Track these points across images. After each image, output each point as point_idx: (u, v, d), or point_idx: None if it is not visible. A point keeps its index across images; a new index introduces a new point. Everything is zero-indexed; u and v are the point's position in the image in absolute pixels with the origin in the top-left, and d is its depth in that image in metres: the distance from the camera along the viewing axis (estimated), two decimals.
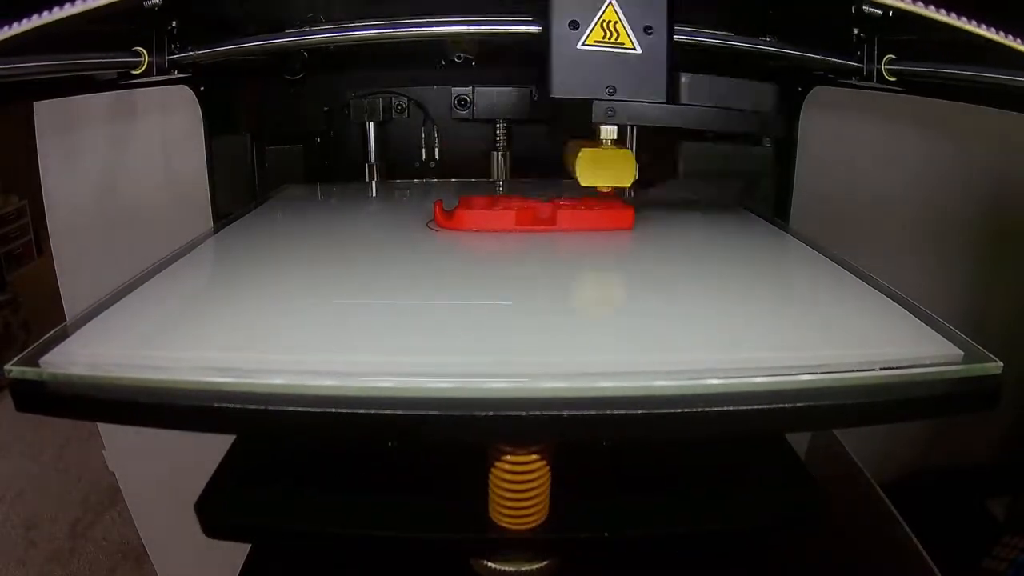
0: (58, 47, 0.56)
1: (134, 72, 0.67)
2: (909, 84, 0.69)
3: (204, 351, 0.42)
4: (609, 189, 0.67)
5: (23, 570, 1.52)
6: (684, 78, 0.64)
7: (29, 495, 1.77)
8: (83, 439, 1.82)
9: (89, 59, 0.62)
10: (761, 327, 0.47)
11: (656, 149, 0.73)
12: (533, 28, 0.64)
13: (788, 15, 0.77)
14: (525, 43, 0.65)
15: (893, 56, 0.69)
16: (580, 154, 0.65)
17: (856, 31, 0.71)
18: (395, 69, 0.91)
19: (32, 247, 2.88)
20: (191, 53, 0.70)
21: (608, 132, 0.64)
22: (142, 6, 0.64)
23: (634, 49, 0.60)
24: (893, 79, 0.69)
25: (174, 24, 0.69)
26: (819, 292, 0.56)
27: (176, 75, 0.73)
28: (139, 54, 0.66)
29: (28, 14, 0.49)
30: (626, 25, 0.60)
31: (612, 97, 0.61)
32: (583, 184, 0.66)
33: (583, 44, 0.60)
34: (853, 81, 0.73)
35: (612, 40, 0.60)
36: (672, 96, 0.62)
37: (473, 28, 0.68)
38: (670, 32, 0.61)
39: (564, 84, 0.61)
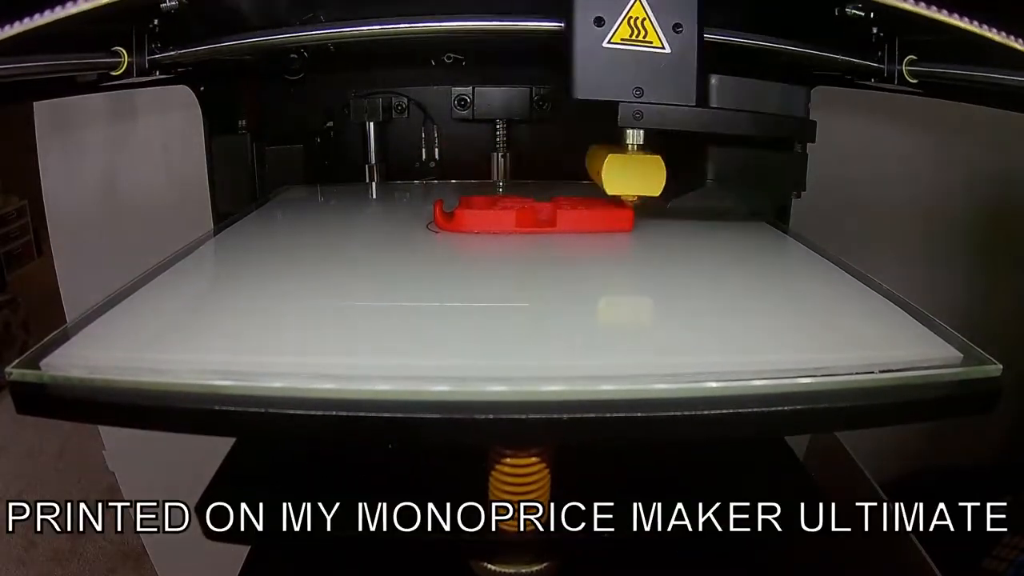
0: (53, 47, 0.55)
1: (132, 72, 0.67)
2: (930, 87, 0.65)
3: (204, 354, 0.42)
4: (635, 198, 0.63)
5: (23, 570, 1.52)
6: (713, 80, 0.60)
7: (29, 495, 1.77)
8: (83, 439, 1.82)
9: (86, 59, 0.62)
10: (760, 329, 0.47)
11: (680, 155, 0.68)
12: (555, 25, 0.60)
13: (803, 14, 0.75)
14: (524, 41, 0.62)
15: (914, 57, 0.65)
16: (607, 160, 0.61)
17: (875, 31, 0.67)
18: (395, 69, 0.91)
19: (32, 247, 2.89)
20: (173, 52, 0.67)
21: (635, 137, 0.61)
22: (141, 6, 0.63)
23: (663, 48, 0.57)
24: (914, 81, 0.65)
25: (156, 23, 0.68)
26: (818, 294, 0.56)
27: (176, 75, 0.73)
28: (138, 54, 0.66)
29: (23, 16, 0.49)
30: (655, 22, 0.56)
31: (639, 99, 0.57)
32: (609, 193, 0.62)
33: (609, 42, 0.56)
34: (872, 83, 0.70)
35: (640, 38, 0.56)
36: (701, 99, 0.58)
37: (492, 25, 0.63)
38: (700, 31, 0.57)
39: (588, 85, 0.57)
